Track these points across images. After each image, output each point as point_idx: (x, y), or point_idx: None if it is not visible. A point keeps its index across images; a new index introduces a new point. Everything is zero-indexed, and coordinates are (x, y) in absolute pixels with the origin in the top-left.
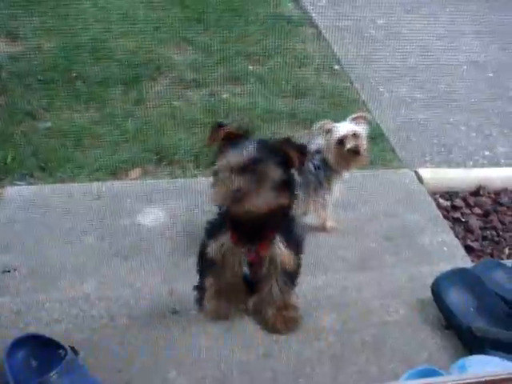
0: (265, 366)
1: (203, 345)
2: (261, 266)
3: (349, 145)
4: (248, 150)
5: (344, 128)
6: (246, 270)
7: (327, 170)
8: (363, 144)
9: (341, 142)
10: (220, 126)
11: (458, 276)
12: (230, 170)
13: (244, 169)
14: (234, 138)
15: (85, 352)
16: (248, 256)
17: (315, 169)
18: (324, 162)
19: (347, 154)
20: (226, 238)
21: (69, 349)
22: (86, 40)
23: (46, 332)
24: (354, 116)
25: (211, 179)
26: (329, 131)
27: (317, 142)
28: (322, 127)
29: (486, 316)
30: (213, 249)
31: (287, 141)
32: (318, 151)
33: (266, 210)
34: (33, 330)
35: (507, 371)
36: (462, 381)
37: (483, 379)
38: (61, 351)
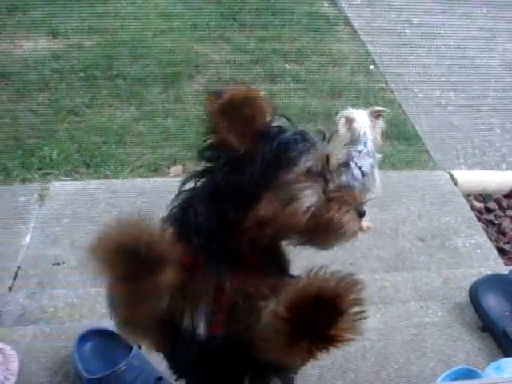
0: (312, 362)
1: None
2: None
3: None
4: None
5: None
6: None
7: (374, 171)
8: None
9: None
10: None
11: (495, 281)
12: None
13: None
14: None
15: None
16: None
17: (363, 175)
18: (372, 166)
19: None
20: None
21: (133, 343)
22: (124, 38)
23: (101, 325)
24: (372, 109)
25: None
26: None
27: (365, 145)
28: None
29: None
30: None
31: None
32: (366, 153)
33: None
34: (88, 322)
35: None
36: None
37: None
38: (126, 345)
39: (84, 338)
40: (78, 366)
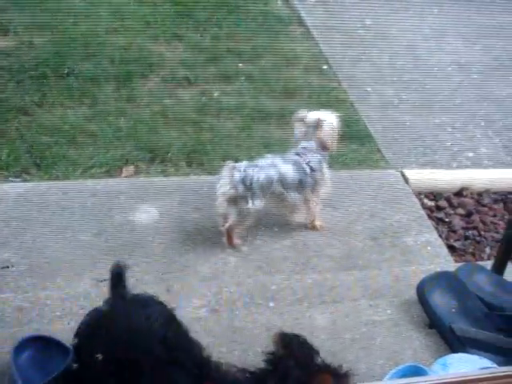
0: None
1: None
2: None
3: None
4: None
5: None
6: None
7: (322, 167)
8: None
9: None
10: None
11: (442, 279)
12: None
13: None
14: None
15: None
16: None
17: (311, 170)
18: (320, 161)
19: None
20: None
21: (71, 348)
22: (77, 35)
23: (50, 328)
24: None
25: None
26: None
27: (310, 143)
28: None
29: (466, 317)
30: None
31: None
32: (311, 150)
33: None
34: (36, 326)
35: (487, 371)
36: (443, 380)
37: (463, 378)
38: (64, 350)
39: (21, 346)
40: (15, 376)
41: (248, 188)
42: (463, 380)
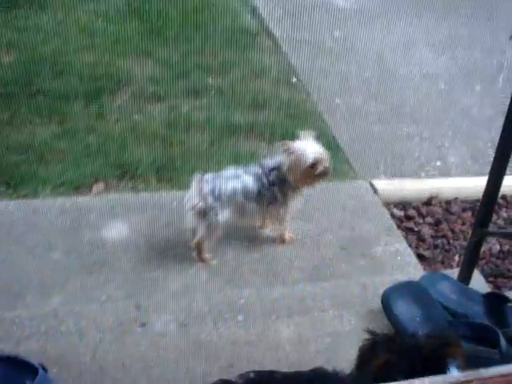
0: (228, 376)
1: (171, 358)
2: None
3: (320, 168)
4: None
5: (313, 150)
6: None
7: (283, 186)
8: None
9: (312, 164)
10: None
11: (406, 288)
12: None
13: None
14: None
15: (57, 367)
16: None
17: (270, 185)
18: (279, 178)
19: (316, 175)
20: None
21: (40, 367)
22: (45, 54)
23: (18, 348)
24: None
25: None
26: (292, 152)
27: (276, 159)
28: (286, 147)
29: (430, 325)
30: None
31: None
32: (275, 168)
33: None
34: (4, 346)
35: (447, 376)
36: None
37: None
38: (32, 369)
39: None
40: None
41: (217, 198)
42: None
